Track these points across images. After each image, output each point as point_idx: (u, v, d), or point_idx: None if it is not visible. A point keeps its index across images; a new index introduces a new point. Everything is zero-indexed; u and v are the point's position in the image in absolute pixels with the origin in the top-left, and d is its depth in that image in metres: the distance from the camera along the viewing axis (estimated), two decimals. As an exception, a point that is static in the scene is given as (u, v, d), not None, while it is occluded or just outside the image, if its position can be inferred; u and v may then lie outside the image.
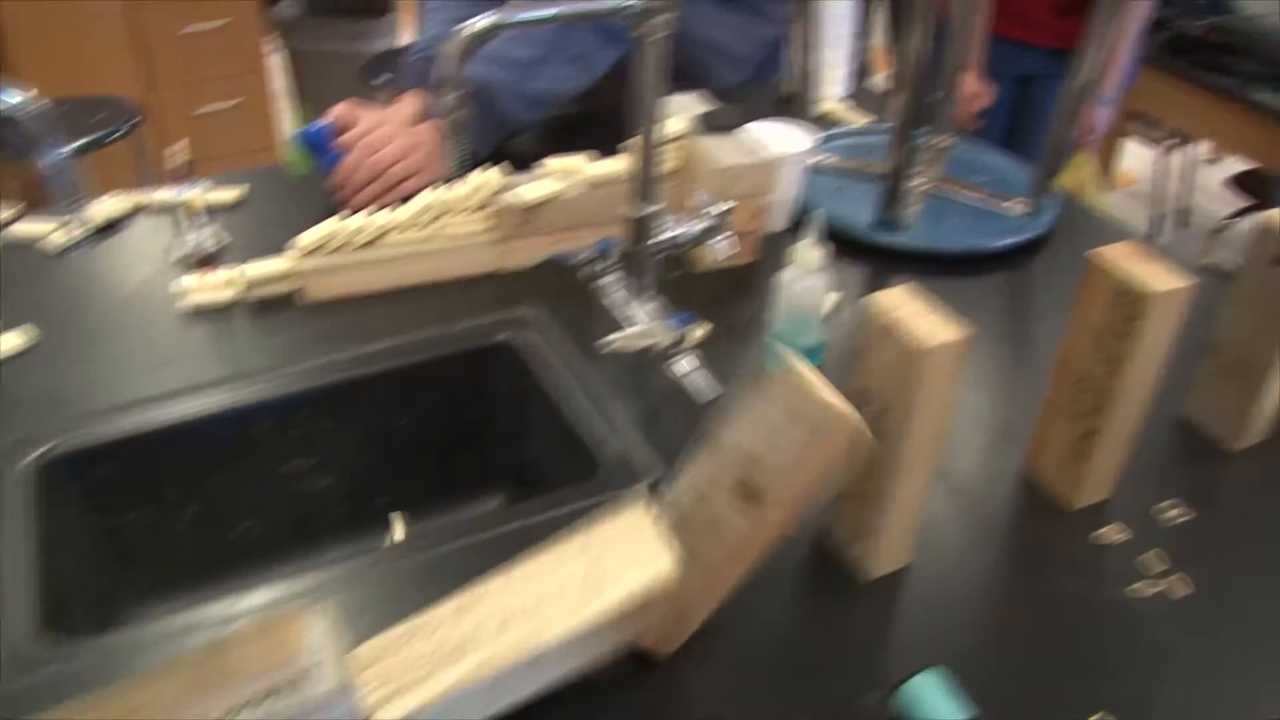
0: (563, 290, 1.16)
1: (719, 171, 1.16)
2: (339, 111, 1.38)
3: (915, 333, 0.74)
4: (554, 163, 1.24)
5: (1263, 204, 2.75)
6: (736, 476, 0.75)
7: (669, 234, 1.00)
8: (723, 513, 0.75)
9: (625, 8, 0.88)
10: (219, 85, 3.18)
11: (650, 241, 1.00)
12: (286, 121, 3.77)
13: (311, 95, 3.79)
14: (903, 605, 0.85)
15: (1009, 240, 1.33)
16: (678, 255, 1.04)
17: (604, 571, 0.72)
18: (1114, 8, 1.24)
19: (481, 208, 1.21)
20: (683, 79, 1.73)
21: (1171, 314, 0.83)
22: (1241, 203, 2.92)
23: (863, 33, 2.00)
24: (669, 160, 1.24)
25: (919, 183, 1.41)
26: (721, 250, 1.02)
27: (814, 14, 1.47)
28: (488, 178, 1.20)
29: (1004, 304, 1.26)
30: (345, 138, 1.35)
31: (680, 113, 1.26)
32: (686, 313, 0.99)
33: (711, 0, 1.66)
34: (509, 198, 1.19)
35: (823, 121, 1.65)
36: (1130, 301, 0.83)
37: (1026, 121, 2.27)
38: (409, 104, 1.46)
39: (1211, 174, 3.57)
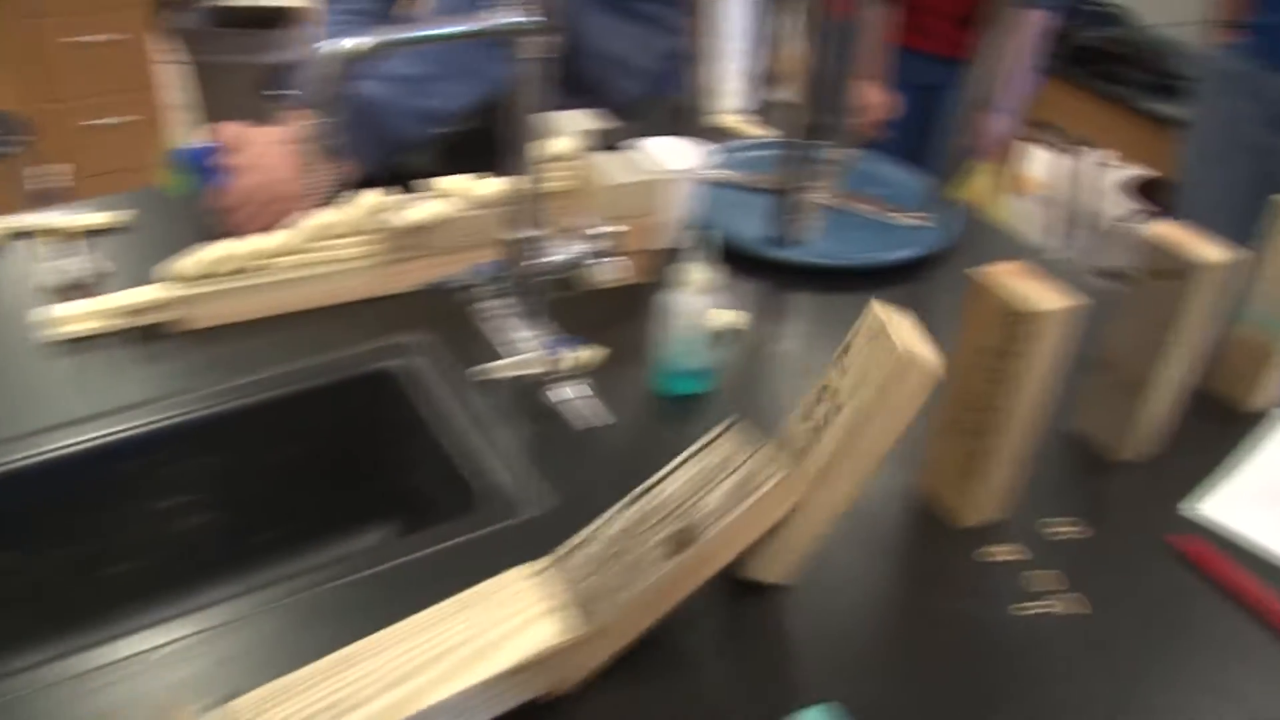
0: (449, 314, 1.13)
1: (608, 189, 1.14)
2: (226, 131, 1.34)
3: (903, 340, 0.73)
4: (442, 182, 1.21)
5: (1161, 210, 2.80)
6: (668, 525, 0.74)
7: (553, 257, 0.97)
8: (648, 558, 0.74)
9: (512, 26, 0.85)
10: (113, 99, 3.09)
11: (533, 265, 0.97)
12: (186, 135, 3.68)
13: (214, 107, 3.70)
14: (792, 627, 0.84)
15: (905, 253, 1.33)
16: (566, 277, 1.01)
17: (490, 636, 0.71)
18: (1004, 20, 1.25)
19: (368, 230, 1.17)
20: (583, 93, 1.71)
21: (1057, 333, 0.83)
22: (1142, 207, 2.97)
23: (770, 42, 1.99)
24: (560, 179, 1.22)
25: (815, 197, 1.40)
26: (608, 273, 0.99)
27: (709, 27, 1.45)
28: (374, 199, 1.17)
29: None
30: (235, 158, 1.31)
31: (571, 130, 1.24)
32: (570, 337, 0.96)
33: (610, 13, 1.64)
34: (395, 219, 1.16)
35: (721, 135, 1.64)
36: (1014, 322, 0.82)
37: (931, 132, 2.28)
38: (296, 122, 1.41)
39: (1116, 178, 3.63)
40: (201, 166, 1.31)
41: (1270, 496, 1.01)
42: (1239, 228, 2.13)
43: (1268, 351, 1.09)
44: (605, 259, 0.99)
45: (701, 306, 1.01)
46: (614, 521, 0.77)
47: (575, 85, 1.71)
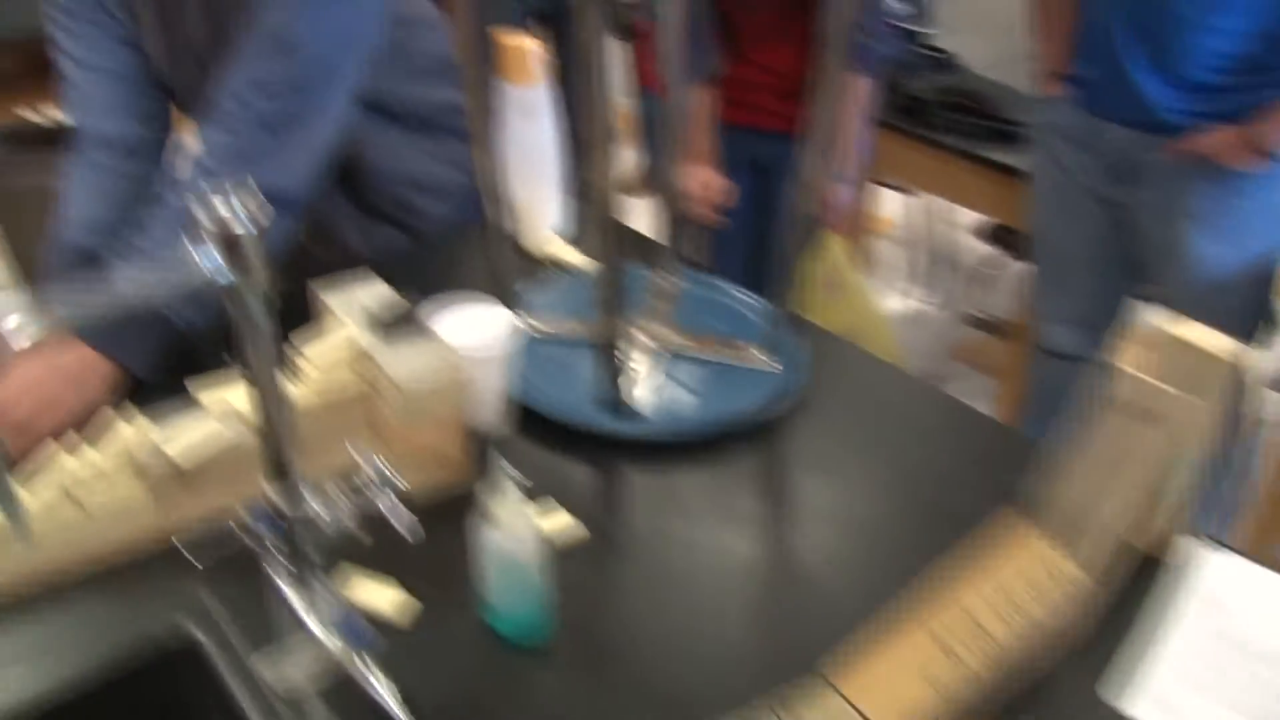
0: (234, 570, 0.94)
1: (401, 395, 0.99)
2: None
3: None
4: (207, 395, 1.03)
5: (1017, 254, 2.76)
6: None
7: (324, 512, 0.80)
8: None
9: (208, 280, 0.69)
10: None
11: (307, 520, 0.80)
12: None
13: (14, 235, 3.44)
14: None
15: (756, 406, 1.17)
16: (353, 529, 0.84)
17: None
18: (834, 88, 1.12)
19: (129, 469, 0.99)
20: (383, 218, 1.55)
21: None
22: (996, 251, 2.93)
23: (583, 148, 1.84)
24: (337, 386, 1.05)
25: (644, 342, 1.26)
26: (404, 522, 0.82)
27: (497, 136, 1.27)
28: (130, 431, 0.99)
29: (760, 489, 1.11)
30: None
31: (348, 313, 1.08)
32: (363, 628, 0.80)
33: (401, 127, 1.48)
34: (163, 454, 0.98)
35: (538, 265, 1.49)
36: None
37: (771, 212, 2.18)
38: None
39: (969, 220, 3.59)
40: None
41: (1196, 682, 0.86)
42: (1096, 280, 2.08)
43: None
44: (397, 502, 0.82)
45: (519, 544, 0.85)
46: None
47: (374, 211, 1.55)
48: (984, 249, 3.04)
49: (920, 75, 2.52)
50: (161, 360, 1.20)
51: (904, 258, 3.70)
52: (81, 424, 1.10)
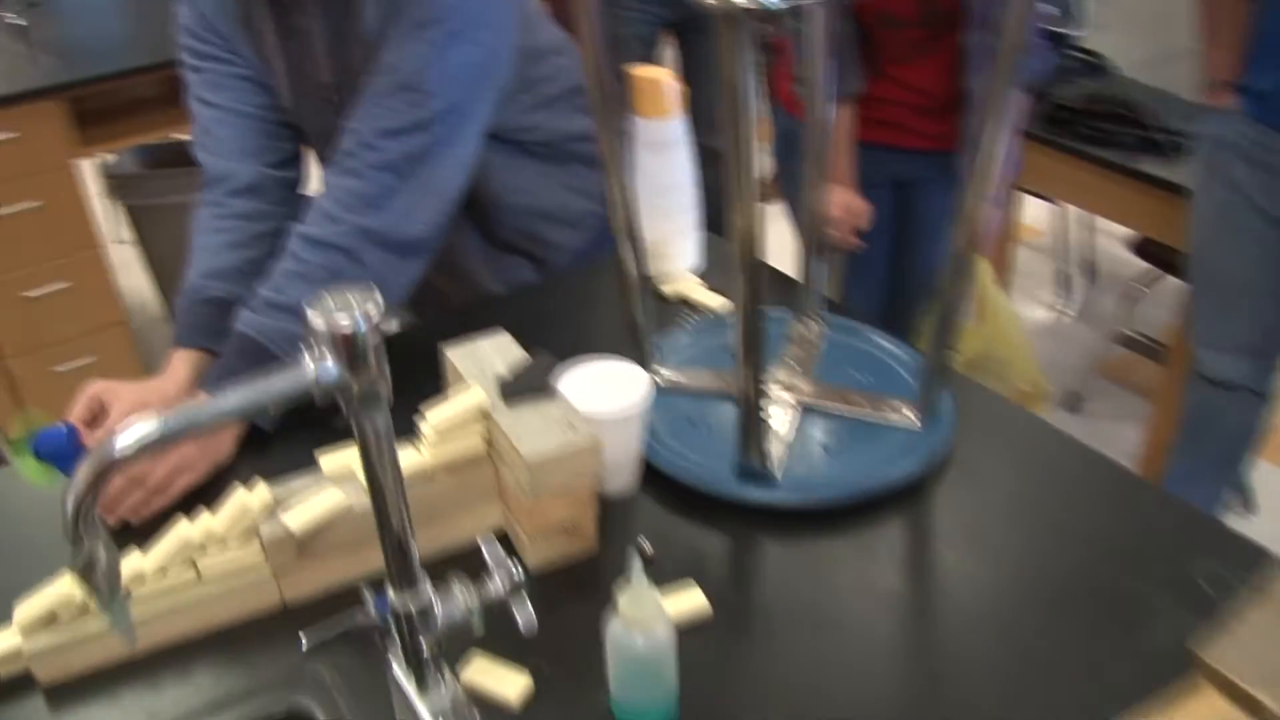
0: (356, 639, 0.92)
1: (527, 468, 0.94)
2: (91, 394, 1.14)
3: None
4: (329, 460, 1.00)
5: (1171, 270, 2.60)
6: None
7: (442, 605, 0.75)
8: None
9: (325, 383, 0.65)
10: (48, 268, 2.87)
11: (420, 616, 0.75)
12: (137, 282, 3.53)
13: (158, 249, 3.54)
14: None
15: (903, 471, 1.09)
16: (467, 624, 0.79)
17: None
18: (994, 124, 1.03)
19: (246, 539, 0.97)
20: (518, 251, 1.51)
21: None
22: (1147, 266, 2.76)
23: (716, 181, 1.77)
24: (472, 448, 1.01)
25: (782, 398, 1.18)
26: (522, 620, 0.78)
27: (628, 170, 1.19)
28: (249, 500, 0.96)
29: (903, 561, 1.03)
30: (97, 428, 1.12)
31: (478, 376, 1.03)
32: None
33: (525, 157, 1.43)
34: (283, 523, 0.95)
35: (673, 309, 1.42)
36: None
37: (912, 230, 2.09)
38: (179, 369, 1.22)
39: (1118, 232, 3.42)
40: (63, 453, 1.11)
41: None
42: (1264, 307, 1.94)
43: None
44: (511, 595, 0.77)
45: (649, 640, 0.80)
46: None
47: (502, 243, 1.50)
48: (1134, 262, 2.87)
49: (1069, 81, 2.38)
50: (283, 415, 1.19)
51: (1048, 267, 3.54)
52: (208, 484, 1.10)
